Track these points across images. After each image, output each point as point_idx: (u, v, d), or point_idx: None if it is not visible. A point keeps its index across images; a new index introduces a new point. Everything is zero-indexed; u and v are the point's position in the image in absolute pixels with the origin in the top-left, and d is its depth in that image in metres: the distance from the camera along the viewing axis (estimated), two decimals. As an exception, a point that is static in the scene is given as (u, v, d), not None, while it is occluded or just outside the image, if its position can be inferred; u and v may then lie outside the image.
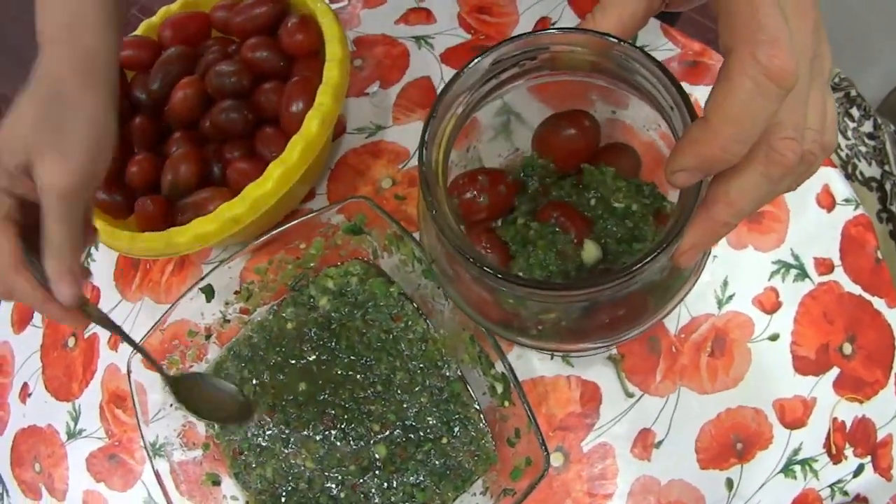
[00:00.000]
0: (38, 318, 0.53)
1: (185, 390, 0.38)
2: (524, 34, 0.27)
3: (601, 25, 0.26)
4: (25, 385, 0.52)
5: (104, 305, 0.50)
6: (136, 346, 0.37)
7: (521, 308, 0.28)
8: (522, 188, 0.36)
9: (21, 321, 0.53)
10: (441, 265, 0.30)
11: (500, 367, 0.35)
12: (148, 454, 0.39)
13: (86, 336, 0.50)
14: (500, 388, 0.35)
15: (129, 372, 0.40)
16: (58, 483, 0.49)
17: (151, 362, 0.37)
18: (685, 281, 0.30)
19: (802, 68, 0.22)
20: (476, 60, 0.27)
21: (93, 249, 0.52)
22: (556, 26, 0.30)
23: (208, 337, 0.41)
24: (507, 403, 0.36)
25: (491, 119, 0.36)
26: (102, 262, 0.52)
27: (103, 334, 0.50)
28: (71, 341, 0.51)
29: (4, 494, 0.51)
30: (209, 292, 0.39)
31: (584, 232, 0.33)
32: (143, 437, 0.39)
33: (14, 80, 0.37)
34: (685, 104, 0.24)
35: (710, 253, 0.30)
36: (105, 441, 0.48)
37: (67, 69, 0.32)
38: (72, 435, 0.49)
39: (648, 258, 0.23)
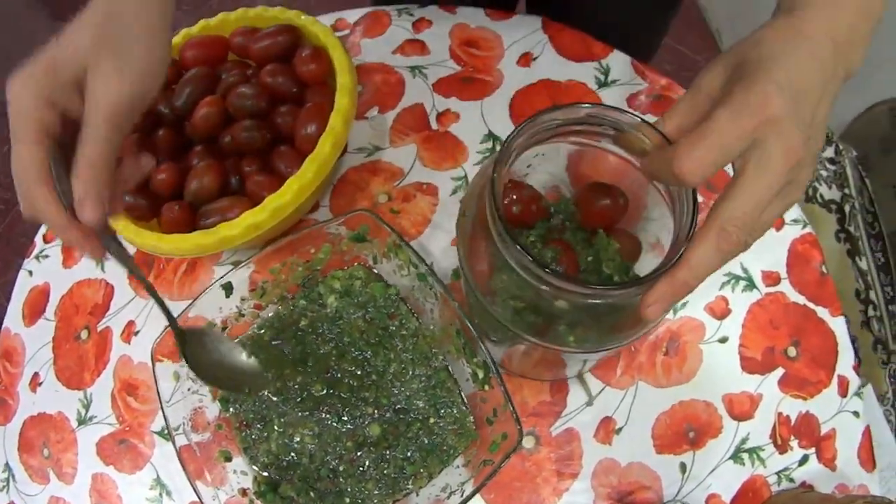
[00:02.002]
0: (49, 311, 0.64)
1: (194, 350, 0.46)
2: (605, 106, 0.39)
3: (666, 127, 0.38)
4: (36, 375, 0.63)
5: (118, 301, 0.62)
6: (149, 287, 0.44)
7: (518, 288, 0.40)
8: (546, 216, 0.49)
9: (32, 314, 0.65)
10: (467, 251, 0.42)
11: (481, 355, 0.47)
12: (170, 433, 0.50)
13: (99, 329, 0.62)
14: (481, 374, 0.48)
15: (153, 359, 0.51)
16: (66, 467, 0.60)
17: (162, 308, 0.44)
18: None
19: (764, 202, 0.32)
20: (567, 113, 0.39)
21: (107, 249, 0.64)
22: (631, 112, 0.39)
23: (224, 329, 0.53)
24: (486, 387, 0.48)
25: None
26: (116, 262, 0.63)
27: (117, 327, 0.61)
28: (84, 334, 0.62)
29: (10, 479, 0.62)
30: (228, 288, 0.51)
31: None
32: (165, 417, 0.51)
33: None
34: (692, 222, 0.36)
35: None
36: (115, 427, 0.59)
37: None
38: (82, 421, 0.60)
39: (623, 288, 0.35)
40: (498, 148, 0.58)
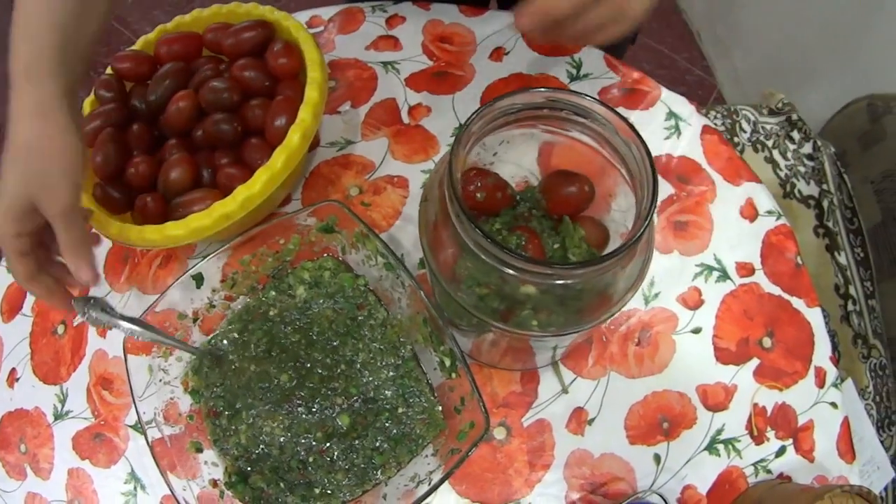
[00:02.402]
0: (27, 307, 0.64)
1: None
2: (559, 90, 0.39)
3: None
4: (13, 370, 0.63)
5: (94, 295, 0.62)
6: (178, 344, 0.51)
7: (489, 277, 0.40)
8: (512, 204, 0.49)
9: (10, 310, 0.65)
10: (430, 238, 0.42)
11: (448, 343, 0.47)
12: (142, 426, 0.50)
13: (75, 324, 0.62)
14: (447, 362, 0.48)
15: (125, 352, 0.51)
16: (43, 462, 0.60)
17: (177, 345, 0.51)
18: (620, 299, 0.42)
19: None
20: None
21: (84, 245, 0.64)
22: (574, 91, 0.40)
23: (195, 320, 0.53)
24: (453, 375, 0.48)
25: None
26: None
27: (92, 322, 0.61)
28: (60, 328, 0.62)
29: (-12, 476, 0.62)
30: (199, 279, 0.51)
31: None
32: (137, 411, 0.50)
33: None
34: (653, 197, 0.36)
35: (650, 261, 0.42)
36: (91, 421, 0.59)
37: (29, 116, 0.44)
38: (59, 416, 0.60)
39: (581, 267, 0.35)
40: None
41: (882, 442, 0.77)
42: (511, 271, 0.37)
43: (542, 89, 0.40)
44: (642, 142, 0.38)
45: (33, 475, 0.60)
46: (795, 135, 0.79)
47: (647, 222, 0.36)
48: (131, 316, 0.49)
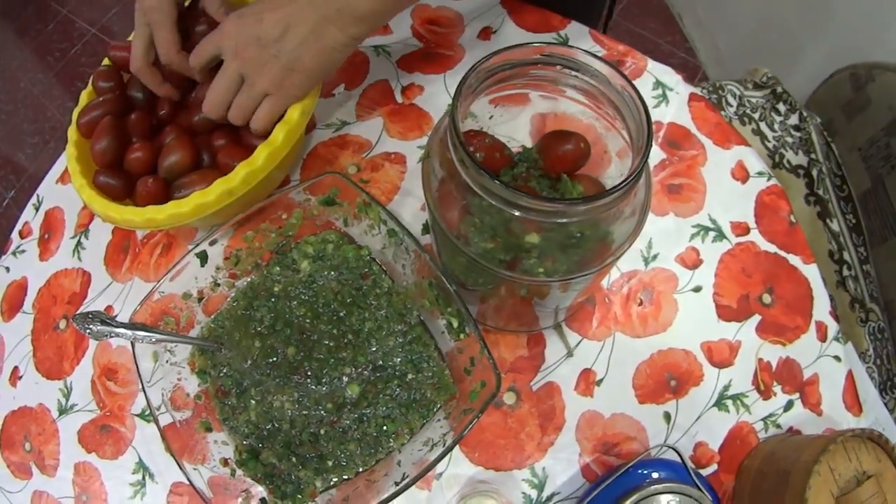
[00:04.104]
0: (28, 304, 0.65)
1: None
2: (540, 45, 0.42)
3: None
4: (16, 369, 0.63)
5: (95, 288, 0.63)
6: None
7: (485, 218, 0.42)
8: (511, 164, 0.50)
9: (10, 309, 0.66)
10: (435, 195, 0.43)
11: (455, 304, 0.48)
12: (153, 412, 0.50)
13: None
14: (455, 323, 0.49)
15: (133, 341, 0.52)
16: (48, 459, 0.60)
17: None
18: (621, 244, 0.44)
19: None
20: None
21: (83, 238, 0.65)
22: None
23: (200, 300, 0.54)
24: (462, 336, 0.49)
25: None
26: (91, 249, 0.65)
27: (95, 314, 0.62)
28: (62, 323, 0.63)
29: (-8, 478, 0.62)
30: (203, 257, 0.52)
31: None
32: (147, 397, 0.51)
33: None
34: (648, 132, 0.38)
35: (647, 212, 0.44)
36: (96, 413, 0.59)
37: None
38: (63, 411, 0.60)
39: (585, 203, 0.37)
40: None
41: (885, 404, 0.78)
42: (518, 213, 0.38)
43: (536, 43, 0.42)
44: (634, 87, 0.40)
45: (39, 473, 0.60)
46: (781, 107, 0.82)
47: (645, 155, 0.38)
48: (131, 322, 0.50)
